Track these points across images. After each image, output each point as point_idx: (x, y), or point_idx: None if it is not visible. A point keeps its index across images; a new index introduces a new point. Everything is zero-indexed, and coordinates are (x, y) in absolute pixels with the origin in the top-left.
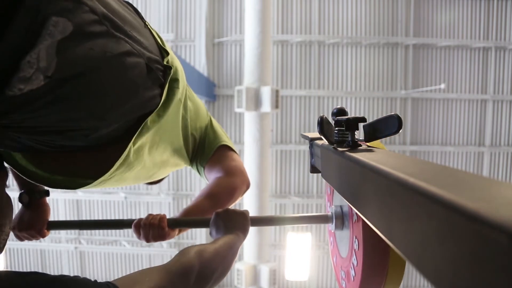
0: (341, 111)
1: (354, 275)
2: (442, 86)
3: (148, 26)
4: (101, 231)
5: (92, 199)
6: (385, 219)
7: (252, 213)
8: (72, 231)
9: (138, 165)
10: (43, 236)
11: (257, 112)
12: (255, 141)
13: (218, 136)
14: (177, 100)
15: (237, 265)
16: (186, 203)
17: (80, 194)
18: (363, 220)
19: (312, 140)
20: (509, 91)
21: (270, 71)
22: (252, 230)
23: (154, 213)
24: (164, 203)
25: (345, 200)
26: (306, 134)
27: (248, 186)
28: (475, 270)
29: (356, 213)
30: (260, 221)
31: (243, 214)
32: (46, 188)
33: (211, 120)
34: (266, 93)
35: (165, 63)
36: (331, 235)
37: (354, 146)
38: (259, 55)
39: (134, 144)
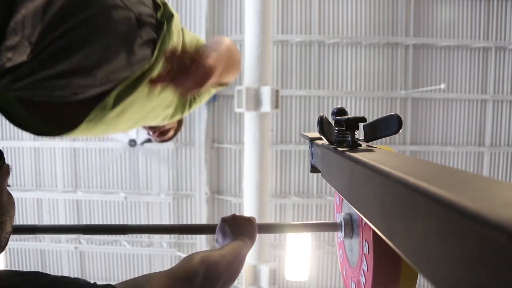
0: (341, 111)
1: (364, 282)
2: (442, 86)
3: None
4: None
5: (92, 199)
6: (385, 218)
7: (252, 213)
8: None
9: (123, 115)
10: None
11: (257, 112)
12: (255, 141)
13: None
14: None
15: None
16: (186, 203)
17: (80, 194)
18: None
19: (312, 140)
20: (509, 91)
21: (270, 71)
22: None
23: (155, 214)
24: (164, 203)
25: (351, 206)
26: (306, 134)
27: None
28: (475, 270)
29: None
30: (267, 228)
31: (250, 221)
32: None
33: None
34: (266, 93)
35: (158, 17)
36: (340, 247)
37: (354, 146)
38: (259, 55)
39: (117, 101)
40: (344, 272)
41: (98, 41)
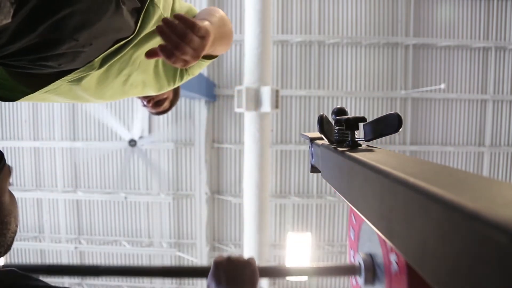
0: (341, 111)
1: None
2: (442, 86)
3: None
4: (101, 230)
5: (92, 199)
6: (385, 218)
7: (252, 213)
8: (72, 230)
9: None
10: None
11: (257, 112)
12: (255, 141)
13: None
14: (157, 21)
15: None
16: (186, 203)
17: (80, 194)
18: (408, 272)
19: (312, 140)
20: (509, 91)
21: (270, 71)
22: (251, 230)
23: (155, 214)
24: (164, 203)
25: (375, 246)
26: (306, 134)
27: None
28: (475, 270)
29: (396, 262)
30: (270, 272)
31: (249, 264)
32: None
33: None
34: (266, 93)
35: None
36: None
37: (354, 145)
38: (259, 55)
39: (102, 64)
40: None
41: (78, 3)
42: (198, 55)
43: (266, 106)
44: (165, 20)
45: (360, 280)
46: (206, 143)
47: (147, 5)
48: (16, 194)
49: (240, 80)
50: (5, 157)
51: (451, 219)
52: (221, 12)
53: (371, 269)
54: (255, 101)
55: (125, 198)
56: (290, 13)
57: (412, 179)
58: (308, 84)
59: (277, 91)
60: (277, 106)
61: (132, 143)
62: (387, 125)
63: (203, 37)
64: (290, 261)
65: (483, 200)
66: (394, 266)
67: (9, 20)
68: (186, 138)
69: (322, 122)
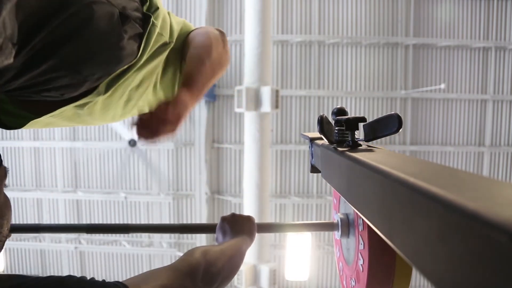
0: (341, 111)
1: (360, 278)
2: (442, 86)
3: None
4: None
5: (92, 199)
6: (385, 218)
7: (252, 213)
8: None
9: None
10: None
11: (257, 112)
12: (255, 141)
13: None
14: (160, 46)
15: None
16: (186, 203)
17: (80, 194)
18: (369, 230)
19: (312, 140)
20: (509, 91)
21: (270, 71)
22: None
23: (155, 213)
24: (164, 203)
25: (351, 206)
26: (306, 134)
27: (219, 30)
28: (475, 270)
29: (362, 219)
30: (266, 228)
31: (249, 219)
32: None
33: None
34: (266, 93)
35: (144, 10)
36: (337, 245)
37: (354, 146)
38: (259, 55)
39: (108, 88)
40: (340, 270)
41: (80, 38)
42: (175, 128)
43: (266, 106)
44: (139, 120)
45: (338, 234)
46: (206, 143)
47: (149, 30)
48: (16, 194)
49: (240, 80)
50: (2, 157)
51: (451, 219)
52: (212, 40)
53: (346, 225)
54: (255, 101)
55: (125, 198)
56: (290, 13)
57: (412, 179)
58: (308, 84)
59: (277, 91)
60: (277, 106)
61: (132, 143)
62: (388, 125)
63: (178, 118)
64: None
65: (483, 200)
66: (361, 223)
67: (11, 61)
68: (186, 138)
69: (322, 122)
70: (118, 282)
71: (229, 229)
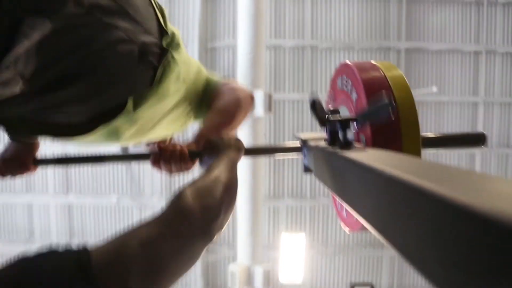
0: (333, 111)
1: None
2: (434, 89)
3: (153, 3)
4: (93, 234)
5: (84, 202)
6: (379, 216)
7: (246, 216)
8: (63, 234)
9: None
10: (29, 170)
11: (250, 116)
12: (249, 145)
13: (215, 82)
14: (174, 79)
15: (230, 267)
16: None
17: (71, 198)
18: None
19: (304, 140)
20: (499, 93)
21: (263, 75)
22: (245, 230)
23: (147, 216)
24: (158, 207)
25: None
26: (299, 134)
27: (251, 96)
28: (469, 264)
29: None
30: (251, 151)
31: (233, 136)
32: None
33: (205, 76)
34: (259, 97)
35: (164, 45)
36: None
37: (346, 145)
38: (252, 59)
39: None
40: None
41: (95, 75)
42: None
43: (259, 110)
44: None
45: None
46: None
47: (166, 63)
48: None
49: None
50: None
51: (444, 214)
52: (241, 99)
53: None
54: None
55: (118, 201)
56: (283, 18)
57: (404, 176)
58: (301, 88)
59: (270, 95)
60: (270, 110)
61: (124, 148)
62: (378, 110)
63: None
64: (284, 261)
65: (475, 193)
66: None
67: (17, 91)
68: (183, 140)
69: (315, 104)
70: (84, 249)
71: (215, 145)
